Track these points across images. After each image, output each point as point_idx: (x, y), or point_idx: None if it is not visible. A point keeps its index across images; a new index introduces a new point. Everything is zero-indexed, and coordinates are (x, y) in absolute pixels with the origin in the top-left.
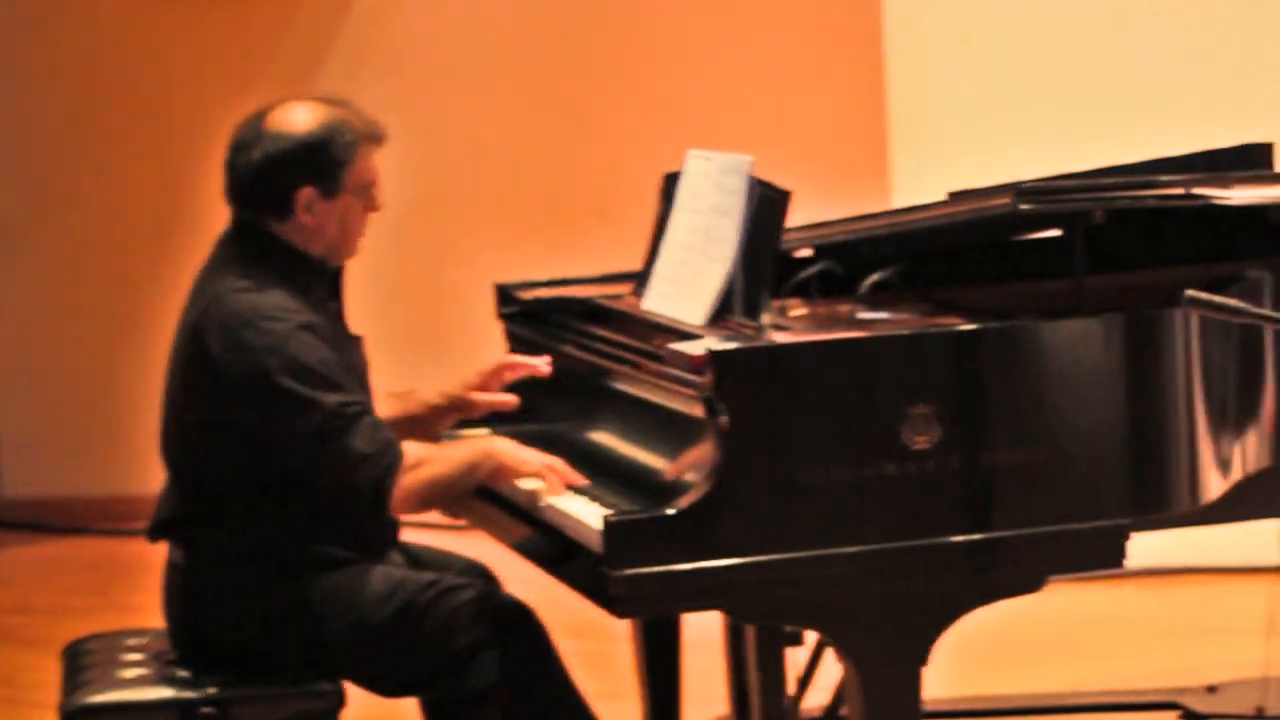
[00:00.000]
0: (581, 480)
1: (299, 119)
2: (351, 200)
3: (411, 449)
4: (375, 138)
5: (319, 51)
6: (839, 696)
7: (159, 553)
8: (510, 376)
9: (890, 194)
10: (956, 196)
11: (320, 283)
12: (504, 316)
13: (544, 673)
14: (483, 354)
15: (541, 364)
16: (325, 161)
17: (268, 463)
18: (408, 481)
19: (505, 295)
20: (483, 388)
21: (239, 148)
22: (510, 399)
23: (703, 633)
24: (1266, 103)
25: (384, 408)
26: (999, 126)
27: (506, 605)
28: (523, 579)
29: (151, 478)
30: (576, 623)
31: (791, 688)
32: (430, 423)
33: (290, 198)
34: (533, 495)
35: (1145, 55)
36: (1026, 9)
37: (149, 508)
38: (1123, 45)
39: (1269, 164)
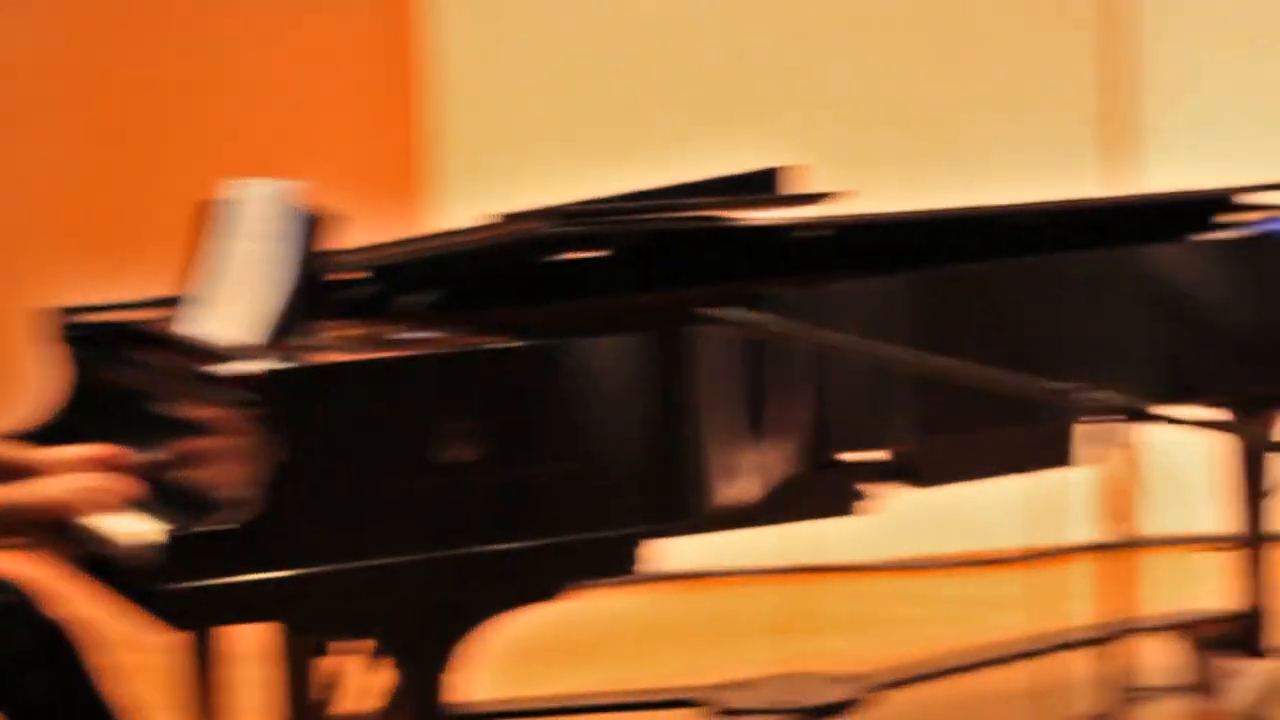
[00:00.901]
0: (134, 488)
1: None
2: None
3: None
4: None
5: None
6: (376, 704)
7: None
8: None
9: (439, 216)
10: (507, 219)
11: None
12: (50, 341)
13: (82, 690)
14: (28, 381)
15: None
16: None
17: None
18: None
19: (51, 319)
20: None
21: None
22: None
23: (255, 643)
24: (799, 122)
25: None
26: (544, 150)
27: (43, 623)
28: (76, 594)
29: None
30: (131, 636)
31: (333, 695)
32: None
33: None
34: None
35: (686, 78)
36: (565, 36)
37: None
38: (668, 66)
39: (775, 188)
